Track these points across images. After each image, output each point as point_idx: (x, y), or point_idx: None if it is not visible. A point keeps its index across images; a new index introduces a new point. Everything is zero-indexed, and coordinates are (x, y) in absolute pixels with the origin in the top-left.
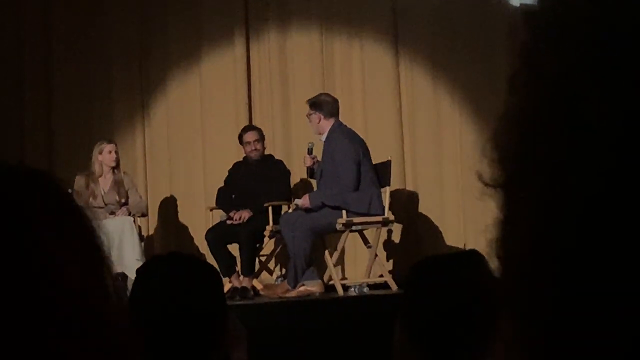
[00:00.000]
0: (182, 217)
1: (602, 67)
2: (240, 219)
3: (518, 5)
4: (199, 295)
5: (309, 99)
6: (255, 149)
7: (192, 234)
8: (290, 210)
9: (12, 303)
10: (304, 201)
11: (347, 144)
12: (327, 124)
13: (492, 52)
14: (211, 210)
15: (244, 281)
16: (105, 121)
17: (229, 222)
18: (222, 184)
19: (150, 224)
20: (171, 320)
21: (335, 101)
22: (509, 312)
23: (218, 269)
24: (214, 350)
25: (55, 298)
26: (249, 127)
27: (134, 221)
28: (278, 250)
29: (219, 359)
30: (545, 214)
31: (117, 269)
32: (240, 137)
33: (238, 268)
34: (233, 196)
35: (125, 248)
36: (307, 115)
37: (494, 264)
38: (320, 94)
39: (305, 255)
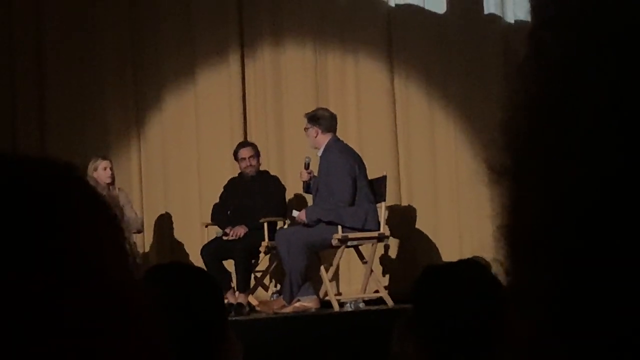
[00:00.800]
0: (178, 234)
1: (609, 51)
2: (235, 235)
3: (512, 22)
4: (200, 303)
5: (307, 113)
6: (251, 165)
7: (187, 250)
8: (285, 226)
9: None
10: (300, 215)
11: (342, 159)
12: (323, 139)
13: (486, 67)
14: (206, 226)
15: (239, 297)
16: (100, 138)
17: (224, 238)
18: (217, 200)
19: (146, 241)
20: (171, 327)
21: (333, 116)
22: (516, 308)
23: None
24: (214, 358)
25: (102, 294)
26: (244, 144)
27: (132, 238)
28: (273, 266)
29: None
30: (554, 201)
31: None
32: (235, 154)
33: (233, 284)
34: (228, 212)
35: None
36: (304, 129)
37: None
38: (319, 109)
39: (300, 270)
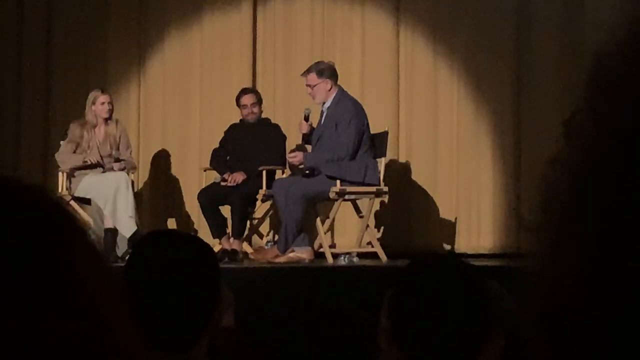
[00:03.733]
0: (174, 175)
1: None
2: (234, 181)
3: None
4: (195, 271)
5: (315, 67)
6: (252, 112)
7: (183, 192)
8: (284, 175)
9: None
10: (297, 156)
11: (355, 113)
12: (332, 91)
13: (494, 26)
14: (205, 170)
15: (233, 244)
16: (100, 72)
17: (222, 183)
18: (217, 145)
19: (141, 178)
20: (167, 294)
21: (335, 69)
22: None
23: (209, 230)
24: (208, 321)
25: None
26: (247, 90)
27: (129, 177)
28: (270, 214)
29: (212, 327)
30: (597, 273)
31: (109, 223)
32: (237, 100)
33: (229, 230)
34: (228, 158)
35: (119, 204)
36: (311, 85)
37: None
38: (322, 62)
39: (296, 221)
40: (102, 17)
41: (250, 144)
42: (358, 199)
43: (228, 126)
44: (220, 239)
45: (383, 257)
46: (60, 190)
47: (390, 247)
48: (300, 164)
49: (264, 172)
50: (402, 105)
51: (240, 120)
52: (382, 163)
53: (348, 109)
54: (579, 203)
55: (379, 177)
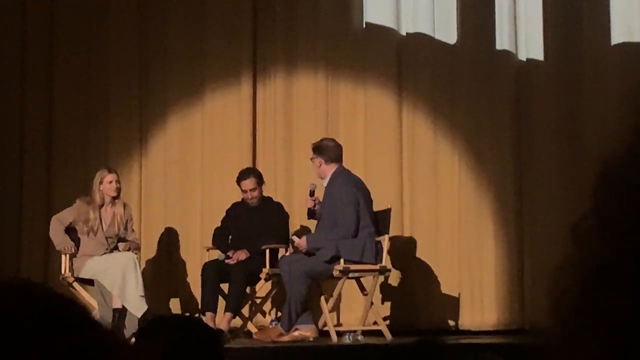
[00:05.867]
0: (176, 254)
1: None
2: (237, 258)
3: (524, 59)
4: (198, 356)
5: (313, 143)
6: (252, 197)
7: (186, 271)
8: (287, 253)
9: None
10: (301, 241)
11: (346, 189)
12: (329, 169)
13: (495, 103)
14: (208, 250)
15: (222, 320)
16: (102, 152)
17: (227, 261)
18: (218, 224)
19: (143, 257)
20: None
21: (339, 146)
22: None
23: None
24: None
25: None
26: (245, 175)
27: (137, 257)
28: (274, 293)
29: None
30: None
31: (118, 304)
32: (237, 182)
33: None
34: (230, 237)
35: (128, 283)
36: (310, 159)
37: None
38: (324, 139)
39: (301, 298)
40: (103, 97)
41: (252, 223)
42: (362, 277)
43: (230, 205)
44: (207, 314)
45: (388, 335)
46: (63, 271)
47: (395, 323)
48: (302, 247)
49: (267, 251)
50: (405, 181)
51: (242, 198)
52: (385, 240)
53: (340, 187)
54: (593, 306)
55: (379, 256)
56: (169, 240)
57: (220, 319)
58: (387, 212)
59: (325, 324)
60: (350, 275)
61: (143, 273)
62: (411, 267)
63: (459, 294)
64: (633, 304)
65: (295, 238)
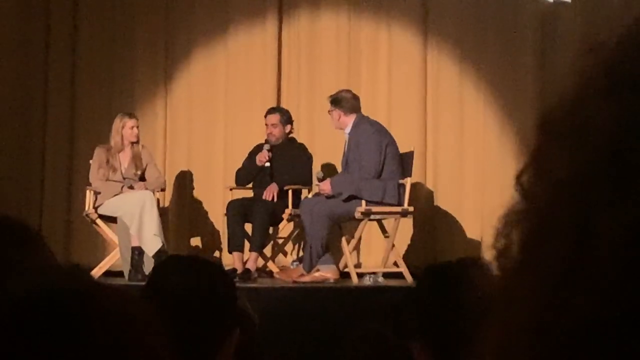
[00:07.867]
0: (198, 194)
1: (618, 179)
2: (271, 193)
3: (551, 0)
4: (210, 297)
5: (330, 95)
6: (272, 133)
7: (207, 210)
8: (310, 194)
9: None
10: (324, 186)
11: (371, 133)
12: (348, 120)
13: (520, 46)
14: (231, 190)
15: (250, 259)
16: (127, 93)
17: (263, 197)
18: (240, 165)
19: (167, 197)
20: (182, 319)
21: (356, 97)
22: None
23: (227, 242)
24: (222, 346)
25: None
26: (272, 110)
27: (154, 196)
28: (295, 233)
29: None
30: (543, 328)
31: (136, 242)
32: (265, 116)
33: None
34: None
35: (144, 222)
36: (328, 112)
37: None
38: (341, 91)
39: (322, 240)
40: (128, 38)
41: (276, 163)
42: (384, 219)
43: (253, 147)
44: (234, 254)
45: (408, 277)
46: (87, 207)
47: (416, 267)
48: (329, 193)
49: (290, 192)
50: (429, 125)
51: (266, 140)
52: (407, 183)
53: (366, 132)
54: (530, 257)
55: (401, 197)
56: (192, 180)
57: (246, 259)
58: (409, 154)
59: (346, 265)
60: (372, 217)
61: (166, 212)
62: (434, 212)
63: (481, 238)
64: (570, 254)
65: (320, 173)
